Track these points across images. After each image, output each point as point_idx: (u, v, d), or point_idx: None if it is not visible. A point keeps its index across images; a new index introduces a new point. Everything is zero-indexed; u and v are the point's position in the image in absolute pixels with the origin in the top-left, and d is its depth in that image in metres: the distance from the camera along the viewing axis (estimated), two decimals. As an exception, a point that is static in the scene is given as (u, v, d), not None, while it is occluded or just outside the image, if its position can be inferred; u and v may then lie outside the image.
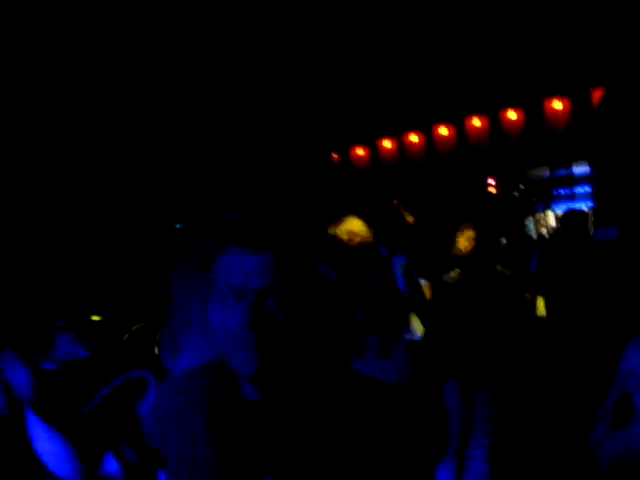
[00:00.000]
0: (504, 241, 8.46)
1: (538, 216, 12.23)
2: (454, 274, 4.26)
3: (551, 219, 11.96)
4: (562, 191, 12.21)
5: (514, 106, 8.45)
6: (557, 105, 8.06)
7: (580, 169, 10.01)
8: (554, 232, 10.06)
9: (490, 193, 9.46)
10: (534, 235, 11.15)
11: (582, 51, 7.42)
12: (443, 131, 8.91)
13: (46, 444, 1.49)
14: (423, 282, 4.20)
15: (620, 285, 3.83)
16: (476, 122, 8.66)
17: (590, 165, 8.17)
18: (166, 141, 7.78)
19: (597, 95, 7.52)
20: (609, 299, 3.56)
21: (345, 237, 3.48)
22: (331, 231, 3.46)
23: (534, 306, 4.74)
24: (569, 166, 10.38)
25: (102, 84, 7.06)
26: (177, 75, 7.58)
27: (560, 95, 8.12)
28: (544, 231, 11.76)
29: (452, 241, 4.04)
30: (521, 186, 10.97)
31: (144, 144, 7.59)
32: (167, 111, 7.71)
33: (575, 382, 3.85)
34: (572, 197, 11.92)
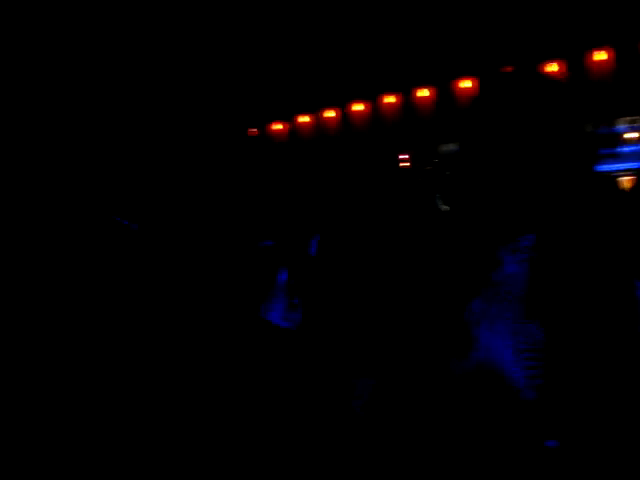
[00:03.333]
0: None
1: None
2: None
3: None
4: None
5: (426, 85, 8.83)
6: (466, 84, 8.45)
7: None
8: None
9: (403, 168, 9.83)
10: (444, 208, 11.59)
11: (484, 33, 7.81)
12: (358, 107, 9.24)
13: None
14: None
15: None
16: (389, 99, 9.00)
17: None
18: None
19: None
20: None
21: None
22: None
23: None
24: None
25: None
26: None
27: (469, 75, 8.51)
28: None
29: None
30: (435, 160, 11.38)
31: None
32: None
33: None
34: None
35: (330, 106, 9.43)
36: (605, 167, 7.62)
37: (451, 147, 10.86)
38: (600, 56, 7.61)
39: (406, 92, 9.00)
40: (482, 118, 1.42)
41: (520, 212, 1.34)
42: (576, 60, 7.73)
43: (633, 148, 8.05)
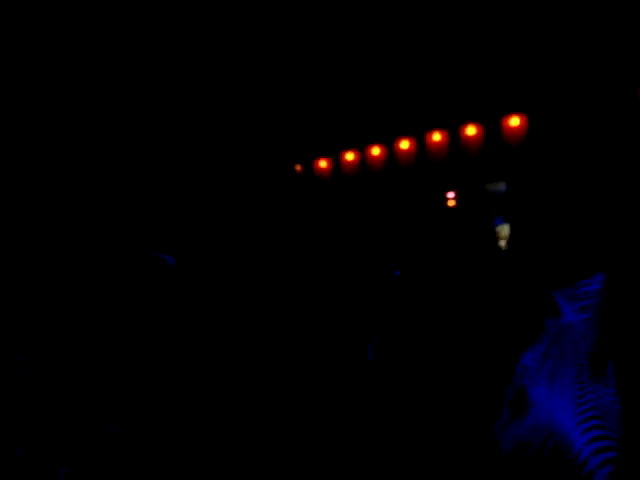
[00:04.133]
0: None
1: (497, 228, 12.51)
2: None
3: (507, 231, 12.23)
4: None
5: (473, 121, 8.71)
6: (514, 122, 8.31)
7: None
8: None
9: (449, 206, 9.69)
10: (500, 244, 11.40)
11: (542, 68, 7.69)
12: (404, 145, 9.14)
13: None
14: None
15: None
16: (436, 136, 8.89)
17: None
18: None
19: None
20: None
21: None
22: None
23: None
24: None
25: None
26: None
27: (517, 112, 8.38)
28: (502, 243, 12.03)
29: None
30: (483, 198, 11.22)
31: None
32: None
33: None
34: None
35: (376, 143, 9.37)
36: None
37: (499, 185, 10.71)
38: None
39: (452, 129, 8.90)
40: (545, 145, 1.28)
41: (581, 250, 1.19)
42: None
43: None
